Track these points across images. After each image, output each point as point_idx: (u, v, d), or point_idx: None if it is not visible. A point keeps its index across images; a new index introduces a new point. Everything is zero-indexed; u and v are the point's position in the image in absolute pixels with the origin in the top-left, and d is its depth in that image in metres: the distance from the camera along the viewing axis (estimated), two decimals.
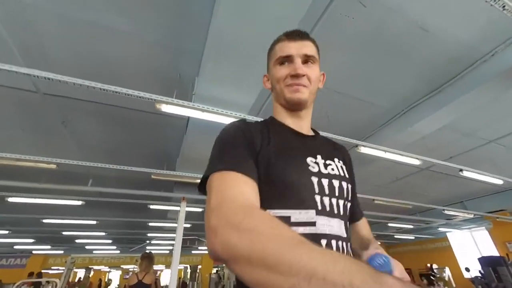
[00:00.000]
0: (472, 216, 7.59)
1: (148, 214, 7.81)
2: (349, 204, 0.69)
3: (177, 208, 4.86)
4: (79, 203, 5.83)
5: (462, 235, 10.38)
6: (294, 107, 0.74)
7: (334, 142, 0.85)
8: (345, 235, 0.62)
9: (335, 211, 0.62)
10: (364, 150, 3.65)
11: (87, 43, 2.72)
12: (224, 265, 0.42)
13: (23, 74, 2.15)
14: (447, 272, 9.07)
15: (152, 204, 6.23)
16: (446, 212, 7.37)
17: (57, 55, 2.83)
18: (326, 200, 0.61)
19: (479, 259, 6.64)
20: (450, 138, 4.63)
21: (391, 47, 2.87)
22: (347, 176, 0.72)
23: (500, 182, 5.03)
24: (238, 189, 0.50)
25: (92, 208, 7.00)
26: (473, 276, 7.12)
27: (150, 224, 8.85)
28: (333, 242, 0.58)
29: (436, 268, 9.12)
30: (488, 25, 2.62)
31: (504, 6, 1.89)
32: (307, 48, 0.75)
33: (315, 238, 0.55)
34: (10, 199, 5.22)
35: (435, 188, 7.16)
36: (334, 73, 3.18)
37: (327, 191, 0.63)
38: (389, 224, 9.99)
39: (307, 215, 0.57)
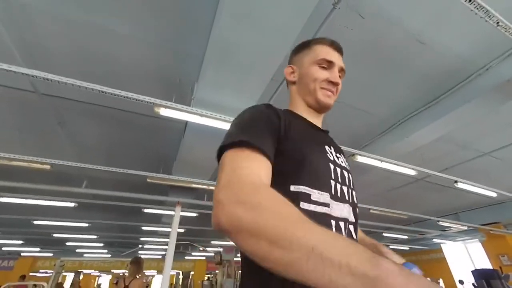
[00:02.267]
0: (466, 228, 7.62)
1: (142, 218, 7.70)
2: (355, 193, 0.72)
3: (172, 213, 4.81)
4: (72, 204, 5.73)
5: (456, 246, 10.39)
6: (321, 109, 0.79)
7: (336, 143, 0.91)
8: (353, 220, 0.66)
9: (346, 198, 0.66)
10: (360, 159, 3.67)
11: (86, 44, 2.73)
12: (227, 238, 0.45)
13: (22, 74, 2.14)
14: (441, 284, 9.03)
15: (147, 208, 6.15)
16: (441, 223, 7.39)
17: (56, 56, 2.82)
18: (338, 186, 0.65)
19: (472, 271, 6.62)
20: (446, 149, 4.68)
21: (388, 58, 2.92)
22: (349, 169, 0.76)
23: (494, 194, 5.08)
24: (251, 167, 0.50)
25: (85, 210, 6.90)
26: None
27: (144, 228, 8.72)
28: (341, 224, 0.61)
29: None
30: (484, 39, 2.69)
31: (498, 23, 1.95)
32: (342, 62, 0.81)
33: (327, 218, 0.59)
34: (1, 199, 5.12)
35: (430, 199, 7.20)
36: None
37: (340, 179, 0.67)
38: (384, 234, 9.98)
39: (324, 197, 0.60)
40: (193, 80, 3.01)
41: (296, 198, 0.56)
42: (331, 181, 0.64)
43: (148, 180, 4.33)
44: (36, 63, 2.80)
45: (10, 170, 3.90)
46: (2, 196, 5.05)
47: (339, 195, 0.64)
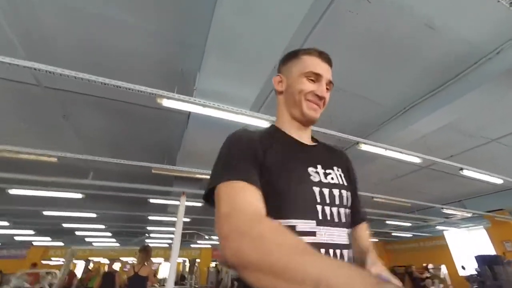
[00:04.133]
0: (470, 215, 7.63)
1: (148, 208, 7.84)
2: (349, 211, 0.70)
3: (177, 203, 4.88)
4: (79, 196, 5.85)
5: (459, 233, 10.44)
6: (306, 122, 0.77)
7: (334, 147, 0.86)
8: (345, 243, 0.64)
9: (336, 220, 0.64)
10: (365, 147, 3.65)
11: (88, 36, 2.70)
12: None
13: (24, 67, 2.13)
14: (444, 270, 9.14)
15: (152, 198, 6.25)
16: (445, 210, 7.40)
17: (59, 48, 2.81)
18: (327, 209, 0.63)
19: (475, 257, 6.70)
20: (451, 136, 4.62)
21: (394, 44, 2.85)
22: (345, 184, 0.73)
23: (500, 181, 5.04)
24: (246, 198, 0.52)
25: (92, 201, 7.03)
26: (468, 274, 7.18)
27: (150, 218, 8.90)
28: (331, 251, 0.60)
29: (432, 268, 9.18)
30: (494, 23, 2.59)
31: (511, 3, 1.87)
32: (330, 74, 0.79)
33: (316, 247, 0.57)
34: (11, 191, 5.24)
35: (435, 187, 7.18)
36: (336, 70, 3.15)
37: (328, 200, 0.64)
38: (387, 222, 10.04)
39: (309, 225, 0.59)
40: (195, 70, 2.98)
41: None
42: (317, 206, 0.62)
43: (153, 171, 4.37)
44: (38, 56, 2.78)
45: (19, 163, 3.97)
46: (12, 188, 5.17)
47: (328, 218, 0.62)
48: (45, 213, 7.65)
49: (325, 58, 0.78)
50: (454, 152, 5.19)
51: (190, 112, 3.27)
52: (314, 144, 0.80)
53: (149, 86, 2.53)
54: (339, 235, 0.63)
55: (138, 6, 2.42)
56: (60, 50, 2.84)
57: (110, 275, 5.12)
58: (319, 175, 0.67)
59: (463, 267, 8.08)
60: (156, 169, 4.37)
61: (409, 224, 9.84)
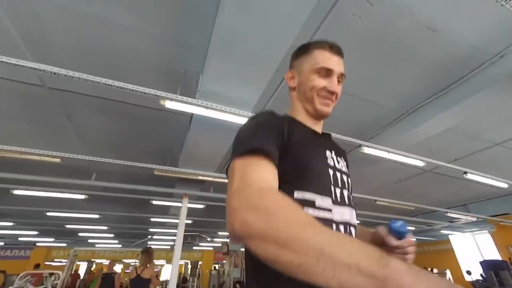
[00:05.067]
0: (475, 219, 7.53)
1: (150, 210, 7.86)
2: (352, 197, 0.75)
3: (179, 204, 4.89)
4: (82, 197, 5.88)
5: (465, 238, 10.30)
6: (319, 117, 0.80)
7: (338, 144, 0.90)
8: (354, 222, 0.68)
9: (346, 201, 0.68)
10: (367, 150, 3.63)
11: (92, 37, 2.73)
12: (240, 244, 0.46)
13: (29, 68, 2.16)
14: (448, 275, 9.01)
15: (155, 200, 6.26)
16: (449, 214, 7.31)
17: (62, 49, 2.84)
18: (338, 190, 0.67)
19: (481, 262, 6.59)
20: (455, 140, 4.58)
21: (397, 46, 2.84)
22: (348, 173, 0.78)
23: (505, 185, 4.98)
24: (258, 173, 0.53)
25: (95, 202, 7.07)
26: (474, 279, 7.07)
27: (152, 219, 8.92)
28: (341, 228, 0.63)
29: (436, 273, 9.07)
30: (498, 26, 2.58)
31: None
32: (342, 66, 0.80)
33: (328, 223, 0.60)
34: (15, 192, 5.29)
35: (438, 190, 7.11)
36: None
37: (339, 183, 0.69)
38: None
39: (327, 202, 0.62)
40: (198, 72, 3.00)
41: (301, 204, 0.57)
42: (331, 186, 0.66)
43: (155, 172, 4.39)
44: (43, 57, 2.82)
45: (22, 163, 4.01)
46: (16, 189, 5.22)
47: (339, 199, 0.66)
48: (49, 213, 7.70)
49: (336, 50, 0.79)
50: (458, 155, 5.14)
51: (192, 114, 3.29)
52: (326, 133, 0.84)
53: (151, 88, 2.55)
54: (351, 214, 0.67)
55: (140, 8, 2.44)
56: (63, 52, 2.87)
57: (109, 277, 4.94)
58: (333, 160, 0.72)
59: (468, 272, 7.95)
60: (158, 171, 4.38)
61: (412, 228, 9.74)
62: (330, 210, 0.61)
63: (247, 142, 0.58)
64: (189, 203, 4.89)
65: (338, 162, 0.74)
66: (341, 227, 0.62)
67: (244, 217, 0.42)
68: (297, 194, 0.60)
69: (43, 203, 6.86)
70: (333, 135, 3.29)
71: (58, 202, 6.76)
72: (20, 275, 5.71)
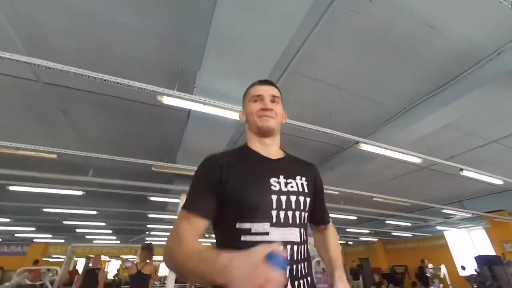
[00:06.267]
0: (470, 215, 7.62)
1: (148, 206, 7.86)
2: (306, 214, 0.84)
3: (177, 201, 4.89)
4: (80, 193, 5.86)
5: (459, 233, 10.44)
6: (264, 133, 0.91)
7: (303, 160, 1.01)
8: (298, 240, 0.78)
9: (290, 221, 0.78)
10: (365, 147, 3.64)
11: (89, 34, 2.70)
12: None
13: (24, 62, 2.14)
14: (443, 270, 9.14)
15: (152, 196, 6.26)
16: (444, 210, 7.39)
17: (59, 45, 2.81)
18: (282, 213, 0.77)
19: (475, 257, 6.69)
20: (452, 137, 4.61)
21: (395, 44, 2.84)
22: (306, 191, 0.86)
23: (500, 182, 5.03)
24: (183, 227, 0.72)
25: (92, 198, 7.05)
26: (468, 274, 7.18)
27: (150, 215, 8.92)
28: (288, 247, 0.74)
29: (431, 268, 9.19)
30: (496, 24, 2.58)
31: None
32: (274, 91, 0.95)
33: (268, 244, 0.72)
34: (11, 188, 5.25)
35: (434, 187, 7.17)
36: (337, 70, 3.15)
37: (283, 206, 0.78)
38: (387, 221, 10.04)
39: (263, 227, 0.74)
40: (195, 69, 2.97)
41: (239, 233, 0.74)
42: (272, 211, 0.76)
43: (153, 169, 4.38)
44: (38, 52, 2.78)
45: (18, 159, 3.98)
46: (13, 185, 5.18)
47: (282, 221, 0.76)
48: (46, 210, 7.67)
49: (265, 82, 0.97)
50: (454, 152, 5.18)
51: (190, 110, 3.27)
52: (281, 157, 0.94)
53: (149, 83, 2.52)
54: (292, 234, 0.76)
55: (138, 5, 2.41)
56: (60, 48, 2.83)
57: (92, 272, 4.40)
58: (280, 185, 0.81)
59: (463, 267, 8.07)
60: (156, 167, 4.37)
61: (408, 224, 9.84)
62: (267, 233, 0.73)
63: (186, 200, 0.78)
64: None
65: (287, 184, 0.83)
66: (287, 247, 0.73)
67: (165, 256, 0.69)
68: (238, 225, 0.75)
69: (39, 199, 6.82)
70: (332, 132, 3.28)
71: (55, 198, 6.73)
72: (18, 271, 5.71)
